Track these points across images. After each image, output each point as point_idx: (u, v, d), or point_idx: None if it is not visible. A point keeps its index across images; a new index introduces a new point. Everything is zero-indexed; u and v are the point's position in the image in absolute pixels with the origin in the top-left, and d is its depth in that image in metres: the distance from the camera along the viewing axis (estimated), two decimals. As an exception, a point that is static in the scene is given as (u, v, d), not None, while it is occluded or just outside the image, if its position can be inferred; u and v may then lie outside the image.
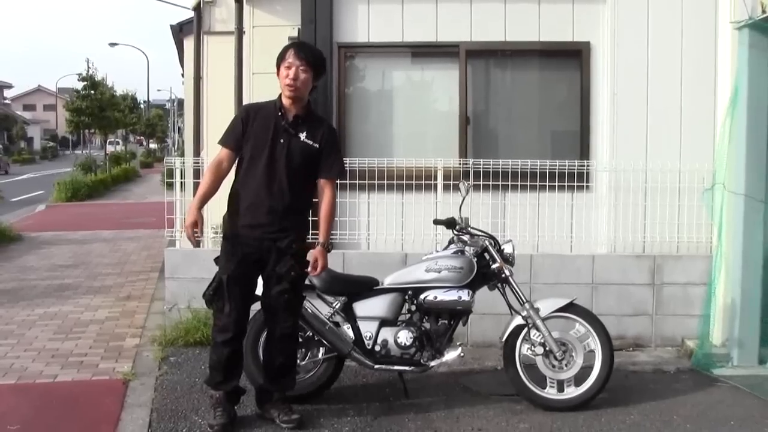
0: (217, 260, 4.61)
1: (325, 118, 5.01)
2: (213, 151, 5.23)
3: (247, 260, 4.48)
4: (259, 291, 4.64)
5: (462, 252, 4.98)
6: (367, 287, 5.00)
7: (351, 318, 4.93)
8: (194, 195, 4.85)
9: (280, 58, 4.54)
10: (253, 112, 4.57)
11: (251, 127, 4.49)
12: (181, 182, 6.73)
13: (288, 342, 4.69)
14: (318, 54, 4.66)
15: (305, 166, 4.53)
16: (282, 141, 4.47)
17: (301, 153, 4.50)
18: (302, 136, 4.51)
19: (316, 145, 4.53)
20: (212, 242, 6.60)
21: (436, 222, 5.34)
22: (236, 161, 4.58)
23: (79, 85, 30.40)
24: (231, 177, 4.63)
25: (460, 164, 6.62)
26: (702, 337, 6.06)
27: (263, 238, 4.45)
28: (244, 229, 4.46)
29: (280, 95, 4.58)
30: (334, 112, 6.79)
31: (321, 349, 4.98)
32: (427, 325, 4.93)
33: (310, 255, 4.58)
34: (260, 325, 4.87)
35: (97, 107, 29.73)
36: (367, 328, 4.91)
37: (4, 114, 68.77)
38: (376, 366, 4.88)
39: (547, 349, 4.91)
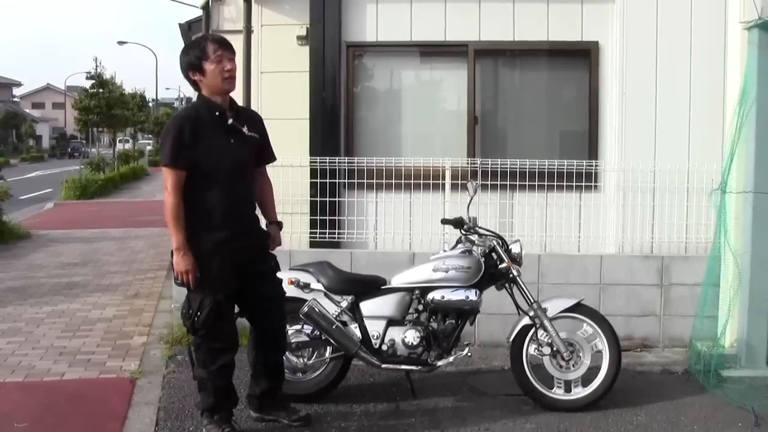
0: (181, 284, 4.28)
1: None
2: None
3: (234, 270, 4.27)
4: None
5: (470, 252, 4.96)
6: (374, 286, 5.00)
7: (358, 317, 4.92)
8: None
9: (202, 56, 4.19)
10: (191, 123, 4.18)
11: (199, 139, 4.15)
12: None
13: (284, 337, 4.64)
14: None
15: (253, 158, 4.46)
16: (233, 141, 4.27)
17: (251, 147, 4.40)
18: (245, 130, 4.35)
19: (257, 136, 4.44)
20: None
21: (444, 221, 5.33)
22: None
23: (88, 84, 30.57)
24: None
25: (468, 164, 6.62)
26: (700, 338, 6.02)
27: (247, 243, 4.32)
28: (231, 240, 4.21)
29: (200, 97, 4.30)
30: (343, 111, 6.79)
31: (328, 348, 4.98)
32: (434, 324, 4.92)
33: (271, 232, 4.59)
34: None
35: (105, 105, 29.85)
36: (375, 328, 4.90)
37: (13, 112, 69.02)
38: (383, 365, 4.87)
39: (554, 349, 4.90)
